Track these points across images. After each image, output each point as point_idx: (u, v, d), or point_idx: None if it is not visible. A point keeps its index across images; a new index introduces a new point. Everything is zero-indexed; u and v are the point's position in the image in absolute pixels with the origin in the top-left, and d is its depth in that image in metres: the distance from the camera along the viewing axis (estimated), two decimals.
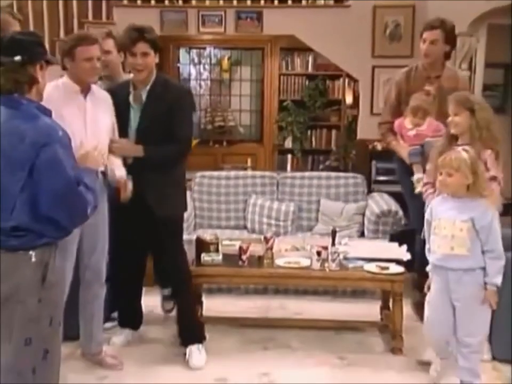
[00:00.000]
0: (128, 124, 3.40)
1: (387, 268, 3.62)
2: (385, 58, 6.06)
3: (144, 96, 3.39)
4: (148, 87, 3.39)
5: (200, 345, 3.52)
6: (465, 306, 3.02)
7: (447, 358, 3.20)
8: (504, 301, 3.15)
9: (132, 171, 3.35)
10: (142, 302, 3.81)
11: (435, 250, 3.07)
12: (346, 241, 4.01)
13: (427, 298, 3.20)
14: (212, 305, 4.07)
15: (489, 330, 3.16)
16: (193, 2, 6.45)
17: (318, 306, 4.31)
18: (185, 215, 3.78)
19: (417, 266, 3.73)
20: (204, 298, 3.98)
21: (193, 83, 8.52)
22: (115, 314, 3.86)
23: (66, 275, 2.86)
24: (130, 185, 3.30)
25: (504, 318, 3.30)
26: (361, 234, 4.91)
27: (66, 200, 2.23)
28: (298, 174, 5.38)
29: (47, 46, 3.23)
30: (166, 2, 6.42)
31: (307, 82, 7.97)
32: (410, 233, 4.07)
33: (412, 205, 4.07)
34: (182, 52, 8.42)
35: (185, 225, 3.90)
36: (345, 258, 3.73)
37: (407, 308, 3.68)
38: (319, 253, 3.64)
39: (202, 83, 8.64)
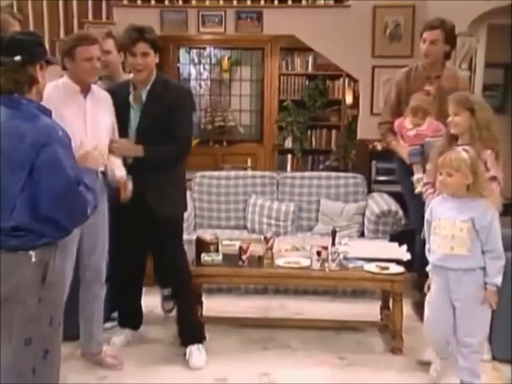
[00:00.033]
0: (128, 124, 3.40)
1: (387, 268, 3.62)
2: (385, 58, 6.06)
3: (144, 96, 3.39)
4: (148, 87, 3.39)
5: (200, 345, 3.52)
6: (465, 306, 3.02)
7: (447, 358, 3.20)
8: (504, 300, 3.15)
9: (131, 171, 3.35)
10: (142, 302, 3.81)
11: (435, 250, 3.07)
12: (346, 241, 4.01)
13: (427, 298, 3.20)
14: (212, 305, 4.07)
15: (489, 330, 3.16)
16: (193, 2, 6.45)
17: (318, 306, 4.31)
18: (185, 215, 3.78)
19: (417, 266, 3.73)
20: (204, 298, 3.98)
21: (193, 83, 8.52)
22: (115, 314, 3.86)
23: (66, 275, 2.86)
24: (130, 185, 3.30)
25: (504, 318, 3.30)
26: (361, 234, 4.91)
27: (66, 200, 2.23)
28: (298, 174, 5.38)
29: (47, 46, 3.22)
30: (166, 2, 6.42)
31: (307, 82, 7.97)
32: (410, 233, 4.07)
33: (412, 205, 4.07)
34: (182, 52, 8.42)
35: (185, 225, 3.90)
36: (345, 258, 3.73)
37: (407, 308, 3.68)
38: (319, 253, 3.64)
39: (202, 83, 8.64)
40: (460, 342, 3.06)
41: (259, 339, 3.79)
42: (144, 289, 3.81)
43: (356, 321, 4.03)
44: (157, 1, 6.41)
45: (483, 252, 2.97)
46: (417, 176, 3.77)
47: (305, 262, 3.71)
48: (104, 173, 3.22)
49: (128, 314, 3.79)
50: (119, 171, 3.30)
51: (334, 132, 8.06)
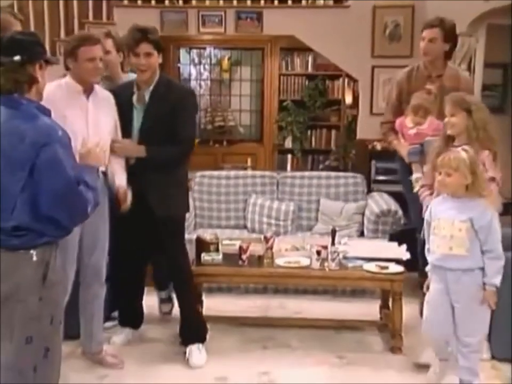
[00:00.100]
0: (131, 124, 3.41)
1: (386, 268, 3.63)
2: (385, 58, 6.06)
3: (147, 97, 3.39)
4: (151, 88, 3.39)
5: (200, 345, 3.53)
6: (465, 307, 3.02)
7: (446, 359, 3.18)
8: (503, 300, 3.14)
9: (134, 171, 3.36)
10: (143, 301, 3.82)
11: (434, 250, 3.07)
12: (346, 240, 4.02)
13: (426, 298, 3.19)
14: (212, 305, 4.07)
15: (488, 330, 3.16)
16: (193, 3, 6.45)
17: (318, 306, 4.32)
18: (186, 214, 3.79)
19: (421, 266, 3.73)
20: (204, 298, 3.98)
21: (193, 83, 8.52)
22: (115, 314, 3.86)
23: (67, 274, 2.86)
24: (129, 196, 3.31)
25: (504, 317, 3.30)
26: (361, 234, 4.92)
27: (66, 200, 2.23)
28: (298, 173, 5.38)
29: (47, 46, 3.23)
30: (166, 3, 6.43)
31: (307, 82, 7.97)
32: (409, 232, 4.08)
33: (413, 205, 4.06)
34: (182, 52, 8.42)
35: (185, 225, 3.90)
36: (345, 257, 3.74)
37: (407, 307, 3.68)
38: (318, 253, 3.65)
39: (203, 83, 8.64)
40: (459, 341, 3.06)
41: (259, 338, 3.80)
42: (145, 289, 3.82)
43: (355, 320, 4.04)
44: (157, 2, 6.41)
45: (482, 252, 2.96)
46: (415, 175, 3.77)
47: (305, 262, 3.72)
48: (105, 173, 3.22)
49: (129, 314, 3.79)
50: (118, 179, 3.31)
51: (333, 132, 8.06)
